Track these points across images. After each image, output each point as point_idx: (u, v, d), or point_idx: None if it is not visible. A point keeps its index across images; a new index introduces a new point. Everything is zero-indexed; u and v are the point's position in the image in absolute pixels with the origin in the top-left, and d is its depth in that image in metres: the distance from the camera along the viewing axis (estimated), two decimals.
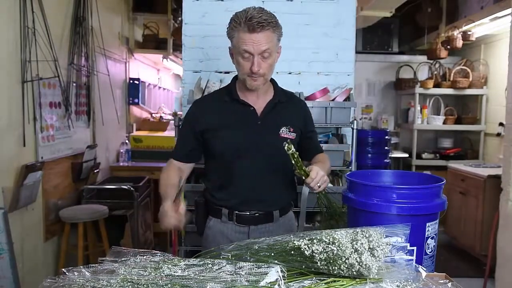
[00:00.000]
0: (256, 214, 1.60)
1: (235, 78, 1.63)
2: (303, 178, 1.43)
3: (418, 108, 4.95)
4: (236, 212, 1.59)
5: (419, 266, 1.13)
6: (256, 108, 1.57)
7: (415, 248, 1.31)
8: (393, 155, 5.02)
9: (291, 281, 1.05)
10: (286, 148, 1.36)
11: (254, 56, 1.45)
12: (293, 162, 1.39)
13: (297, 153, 1.39)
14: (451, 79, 4.85)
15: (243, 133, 1.56)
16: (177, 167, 1.64)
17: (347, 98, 2.40)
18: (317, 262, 1.03)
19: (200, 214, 1.70)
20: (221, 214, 1.62)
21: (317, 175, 1.41)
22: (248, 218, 1.60)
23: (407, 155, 5.12)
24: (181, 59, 2.93)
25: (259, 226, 1.61)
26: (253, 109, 1.57)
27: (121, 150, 4.36)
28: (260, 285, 0.96)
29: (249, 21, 1.41)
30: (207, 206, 1.68)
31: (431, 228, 1.35)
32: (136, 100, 4.72)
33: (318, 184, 1.43)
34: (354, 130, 2.34)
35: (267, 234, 1.58)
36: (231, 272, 1.03)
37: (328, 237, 1.03)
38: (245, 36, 1.42)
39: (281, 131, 1.57)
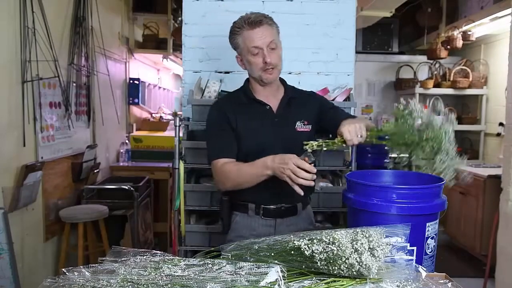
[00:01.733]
0: (282, 208, 1.66)
1: (247, 81, 1.71)
2: (344, 145, 1.46)
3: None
4: (263, 206, 1.65)
5: (419, 266, 1.13)
6: (272, 106, 1.66)
7: (415, 248, 1.31)
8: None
9: (291, 281, 1.05)
10: (308, 148, 1.41)
11: (264, 49, 1.54)
12: (325, 148, 1.44)
13: (318, 141, 1.44)
14: (451, 79, 4.84)
15: (262, 131, 1.63)
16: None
17: (347, 98, 2.40)
18: (317, 262, 1.03)
19: (225, 212, 1.73)
20: (247, 208, 1.66)
21: (350, 133, 1.42)
22: (274, 211, 1.66)
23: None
24: (181, 59, 2.93)
25: (285, 218, 1.67)
26: (269, 108, 1.65)
27: (121, 150, 4.35)
28: (260, 285, 0.96)
29: (248, 20, 1.54)
30: (232, 203, 1.71)
31: (431, 228, 1.35)
32: (136, 100, 4.72)
33: (358, 136, 1.43)
34: None
35: (292, 227, 1.66)
36: (231, 272, 1.03)
37: (328, 237, 1.03)
38: (250, 34, 1.54)
39: (296, 125, 1.65)
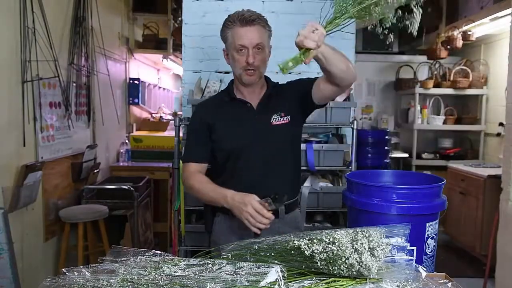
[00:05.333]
0: None
1: (232, 81, 1.71)
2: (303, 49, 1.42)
3: (418, 108, 4.94)
4: None
5: (419, 266, 1.13)
6: (253, 104, 1.65)
7: (415, 248, 1.31)
8: (393, 155, 5.02)
9: (291, 281, 1.05)
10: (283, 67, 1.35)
11: (249, 49, 1.54)
12: (291, 64, 1.40)
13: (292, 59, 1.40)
14: (451, 79, 4.84)
15: (241, 130, 1.62)
16: (197, 171, 1.65)
17: (347, 98, 2.40)
18: (317, 262, 1.03)
19: (208, 212, 1.72)
20: (229, 210, 1.62)
21: (300, 34, 1.38)
22: None
23: (407, 155, 5.12)
24: (181, 59, 2.93)
25: None
26: (250, 105, 1.64)
27: (121, 150, 4.35)
28: (260, 285, 0.96)
29: (241, 17, 1.54)
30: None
31: (431, 228, 1.35)
32: (136, 100, 4.72)
33: (313, 33, 1.39)
34: (354, 130, 2.34)
35: (274, 232, 1.58)
36: (231, 272, 1.03)
37: (328, 237, 1.03)
38: (239, 31, 1.54)
39: (272, 119, 1.63)
